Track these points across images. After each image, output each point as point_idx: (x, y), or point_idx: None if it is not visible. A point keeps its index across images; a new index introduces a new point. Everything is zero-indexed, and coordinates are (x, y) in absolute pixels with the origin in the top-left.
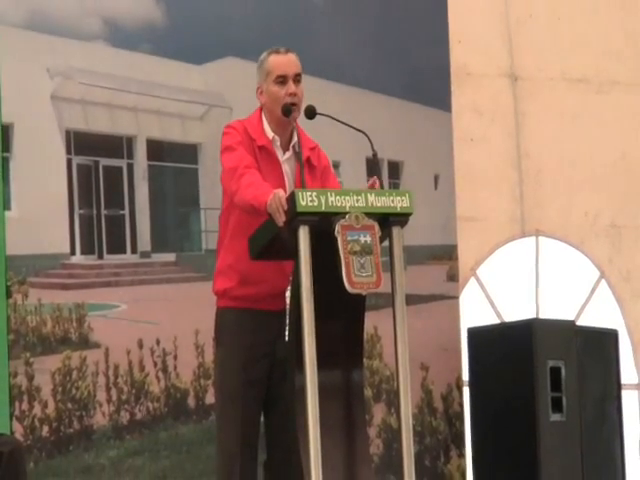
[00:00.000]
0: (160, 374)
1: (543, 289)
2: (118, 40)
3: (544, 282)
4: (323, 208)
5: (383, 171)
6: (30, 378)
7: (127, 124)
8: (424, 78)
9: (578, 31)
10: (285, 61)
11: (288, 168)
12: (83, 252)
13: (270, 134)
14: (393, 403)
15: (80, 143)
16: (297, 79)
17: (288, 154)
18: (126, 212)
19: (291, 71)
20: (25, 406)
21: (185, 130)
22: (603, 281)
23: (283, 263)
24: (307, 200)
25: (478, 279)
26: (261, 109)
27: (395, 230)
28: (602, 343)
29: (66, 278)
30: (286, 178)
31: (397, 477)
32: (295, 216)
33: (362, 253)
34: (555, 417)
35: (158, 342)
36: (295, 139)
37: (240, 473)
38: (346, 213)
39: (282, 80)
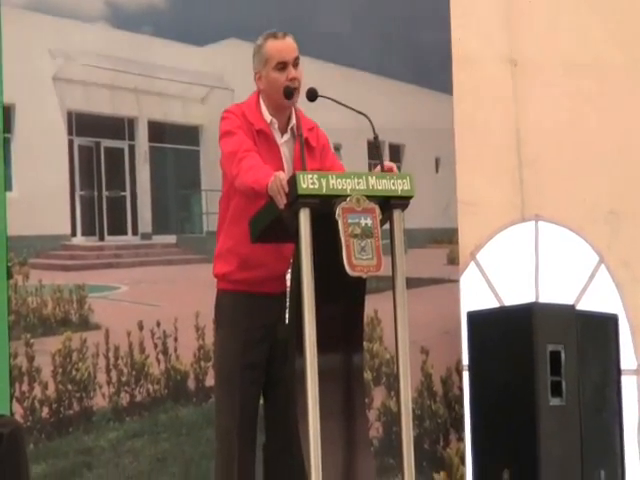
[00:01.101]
0: (160, 356)
1: (543, 274)
2: (120, 22)
3: (544, 267)
4: (324, 191)
5: (384, 154)
6: (30, 359)
7: (128, 106)
8: (426, 61)
9: (577, 17)
10: (284, 47)
11: (287, 150)
12: (84, 233)
13: (268, 117)
14: (393, 386)
15: (81, 124)
16: (296, 63)
17: (286, 136)
18: (127, 194)
19: (290, 56)
20: (25, 387)
21: (186, 112)
22: (602, 266)
23: (282, 247)
24: (308, 183)
25: (478, 263)
26: (258, 93)
27: (396, 213)
28: (602, 328)
29: (67, 259)
30: (284, 161)
31: (396, 460)
32: (296, 199)
33: (363, 236)
34: (554, 401)
35: (158, 324)
36: (293, 121)
37: (239, 456)
38: (347, 196)
39: (282, 67)
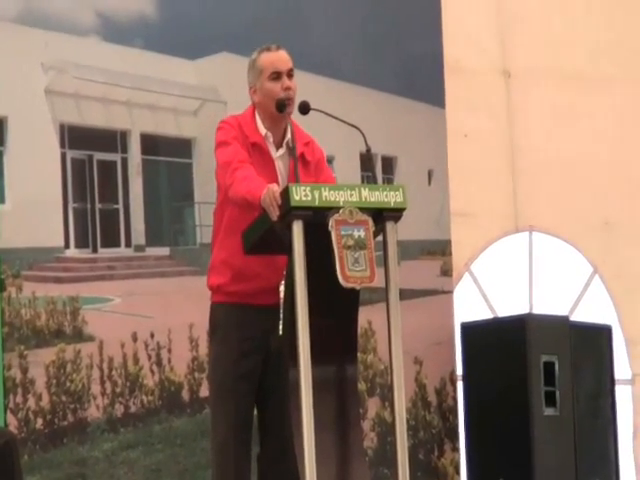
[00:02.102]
0: (154, 367)
1: (537, 284)
2: (111, 35)
3: (538, 277)
4: (317, 203)
5: (377, 166)
6: (24, 371)
7: (121, 118)
8: (418, 74)
9: (571, 27)
10: (277, 58)
11: (281, 165)
12: (77, 246)
13: (263, 131)
14: (387, 397)
15: (74, 137)
16: (290, 74)
17: (281, 151)
18: (120, 206)
19: (284, 67)
20: (19, 399)
21: (179, 125)
22: (596, 277)
23: (276, 258)
24: (301, 195)
25: (472, 274)
26: (254, 107)
27: (389, 225)
28: (595, 338)
29: (60, 271)
30: (279, 175)
31: (391, 471)
32: (289, 211)
33: (356, 248)
34: (549, 411)
35: (152, 335)
36: (289, 136)
37: (234, 466)
38: (340, 208)
39: (276, 76)
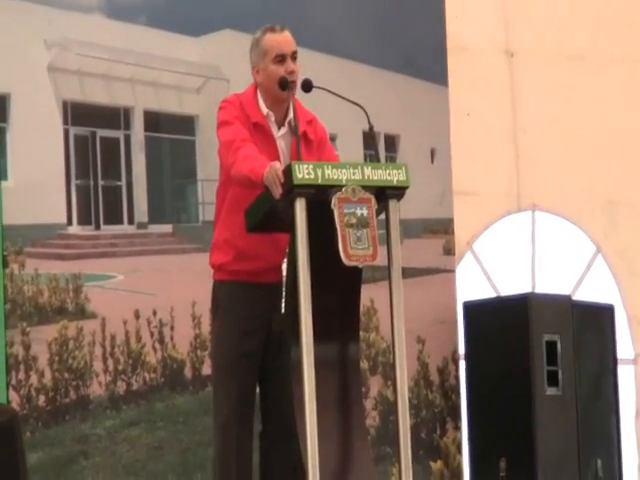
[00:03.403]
0: (157, 345)
1: (539, 263)
2: (115, 12)
3: (540, 256)
4: (320, 181)
5: (379, 144)
6: (27, 348)
7: (124, 95)
8: (421, 52)
9: (574, 7)
10: (282, 40)
11: (283, 144)
12: (80, 222)
13: (265, 110)
14: (389, 376)
15: (77, 114)
16: (294, 56)
17: (283, 130)
18: (123, 183)
19: (289, 49)
20: (22, 375)
21: (182, 102)
22: (599, 256)
23: (278, 238)
24: (304, 173)
25: (474, 253)
26: (256, 86)
27: (391, 203)
28: (598, 318)
29: (63, 248)
30: (281, 154)
31: (393, 449)
32: (292, 189)
33: (358, 226)
34: (551, 391)
35: (155, 313)
36: (291, 115)
37: (236, 444)
38: (343, 186)
39: (281, 59)
